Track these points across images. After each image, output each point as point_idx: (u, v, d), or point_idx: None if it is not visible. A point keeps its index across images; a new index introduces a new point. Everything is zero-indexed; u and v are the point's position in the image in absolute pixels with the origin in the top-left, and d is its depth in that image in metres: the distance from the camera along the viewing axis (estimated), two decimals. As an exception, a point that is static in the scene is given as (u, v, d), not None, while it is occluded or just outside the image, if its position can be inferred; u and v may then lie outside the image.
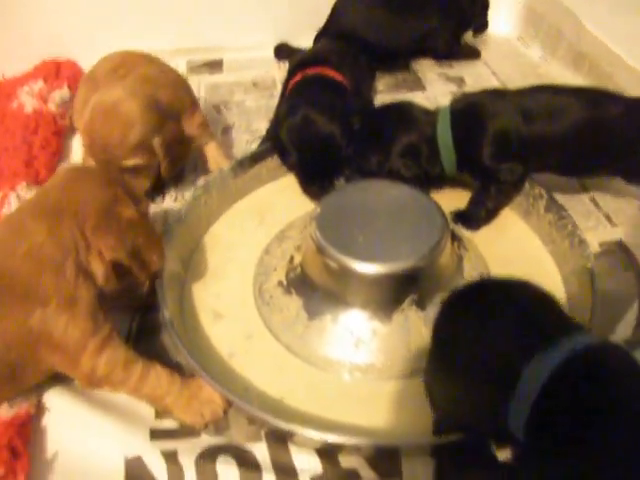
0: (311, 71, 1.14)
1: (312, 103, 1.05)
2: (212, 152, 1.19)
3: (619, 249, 1.02)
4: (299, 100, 1.08)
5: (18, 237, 0.74)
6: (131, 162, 1.02)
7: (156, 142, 1.03)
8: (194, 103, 1.16)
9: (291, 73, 1.21)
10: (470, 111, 1.00)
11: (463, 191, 1.09)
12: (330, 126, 1.03)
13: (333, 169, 1.07)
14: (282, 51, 1.58)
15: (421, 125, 1.01)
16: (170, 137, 1.05)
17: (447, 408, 0.65)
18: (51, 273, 0.72)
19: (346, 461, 0.75)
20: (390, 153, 1.00)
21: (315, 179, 1.06)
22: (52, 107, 1.30)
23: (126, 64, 1.13)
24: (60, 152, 1.24)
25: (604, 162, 1.01)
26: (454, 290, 0.66)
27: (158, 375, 0.78)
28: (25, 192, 1.06)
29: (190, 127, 1.13)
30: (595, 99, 0.98)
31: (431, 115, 1.02)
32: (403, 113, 1.04)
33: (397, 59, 1.56)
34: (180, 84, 1.15)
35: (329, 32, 1.49)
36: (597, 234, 1.05)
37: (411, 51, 1.57)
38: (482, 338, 0.58)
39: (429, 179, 1.01)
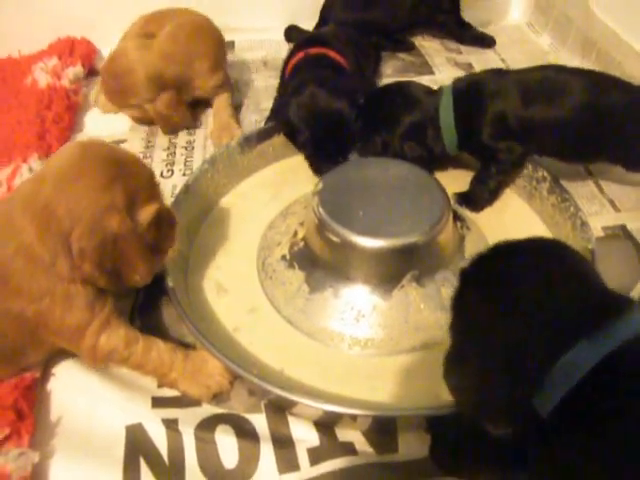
0: (312, 51, 1.15)
1: (316, 81, 1.05)
2: (220, 102, 1.27)
3: (623, 234, 1.02)
4: (303, 79, 1.09)
5: (7, 232, 0.71)
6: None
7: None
8: (212, 68, 1.24)
9: (292, 53, 1.21)
10: (471, 91, 1.00)
11: (466, 173, 1.09)
12: (338, 102, 1.03)
13: (344, 146, 1.06)
14: (292, 33, 1.58)
15: (423, 105, 1.01)
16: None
17: (467, 391, 0.58)
18: (42, 273, 0.70)
19: (343, 434, 0.76)
20: (394, 134, 1.01)
21: (327, 157, 1.06)
22: (66, 83, 1.32)
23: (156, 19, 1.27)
24: (72, 127, 1.27)
25: (603, 149, 1.00)
26: (476, 255, 0.61)
27: (160, 352, 0.79)
28: (37, 164, 1.08)
29: (203, 89, 1.26)
30: (599, 84, 0.96)
31: (433, 94, 1.03)
32: (405, 93, 1.04)
33: (400, 36, 1.57)
34: (201, 53, 1.23)
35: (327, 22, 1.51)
36: (601, 219, 1.05)
37: (413, 24, 1.57)
38: (515, 312, 0.53)
39: (432, 159, 1.02)
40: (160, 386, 0.81)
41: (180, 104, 1.23)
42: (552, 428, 0.50)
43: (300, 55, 1.16)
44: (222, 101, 1.28)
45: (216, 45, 1.26)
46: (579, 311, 0.51)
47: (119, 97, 1.21)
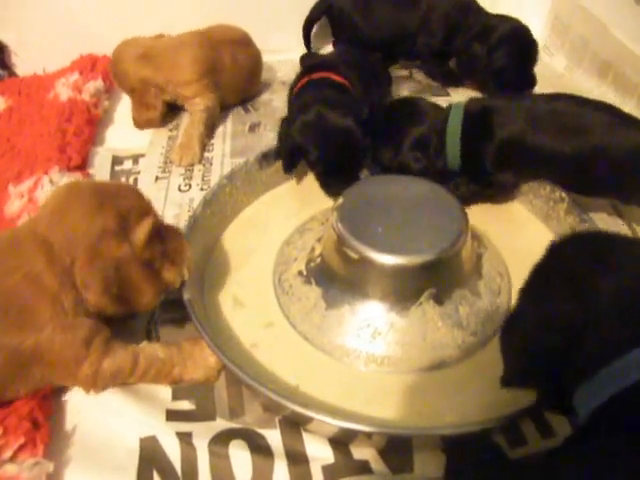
0: (316, 76, 1.16)
1: (321, 100, 1.06)
2: (193, 117, 1.32)
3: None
4: (307, 99, 1.09)
5: (16, 259, 0.72)
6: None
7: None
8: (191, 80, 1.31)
9: (297, 79, 1.21)
10: (483, 115, 1.00)
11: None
12: (345, 119, 1.03)
13: (355, 163, 1.06)
14: (308, 60, 1.60)
15: (431, 118, 1.03)
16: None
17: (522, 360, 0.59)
18: (48, 302, 0.71)
19: (358, 452, 0.75)
20: (402, 146, 1.02)
21: (337, 175, 1.06)
22: (86, 97, 1.34)
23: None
24: (92, 140, 1.29)
25: (608, 188, 0.99)
26: (570, 233, 0.62)
27: (158, 354, 0.80)
28: (58, 176, 1.09)
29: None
30: (616, 124, 0.93)
31: (442, 110, 1.05)
32: (413, 107, 1.06)
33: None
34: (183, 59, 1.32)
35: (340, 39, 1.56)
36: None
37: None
38: (592, 295, 0.53)
39: (436, 173, 1.01)
40: (174, 396, 0.81)
41: (157, 99, 1.31)
42: (591, 428, 0.50)
43: (304, 81, 1.17)
44: (195, 116, 1.31)
45: (214, 60, 1.35)
46: None
47: (116, 78, 1.33)
